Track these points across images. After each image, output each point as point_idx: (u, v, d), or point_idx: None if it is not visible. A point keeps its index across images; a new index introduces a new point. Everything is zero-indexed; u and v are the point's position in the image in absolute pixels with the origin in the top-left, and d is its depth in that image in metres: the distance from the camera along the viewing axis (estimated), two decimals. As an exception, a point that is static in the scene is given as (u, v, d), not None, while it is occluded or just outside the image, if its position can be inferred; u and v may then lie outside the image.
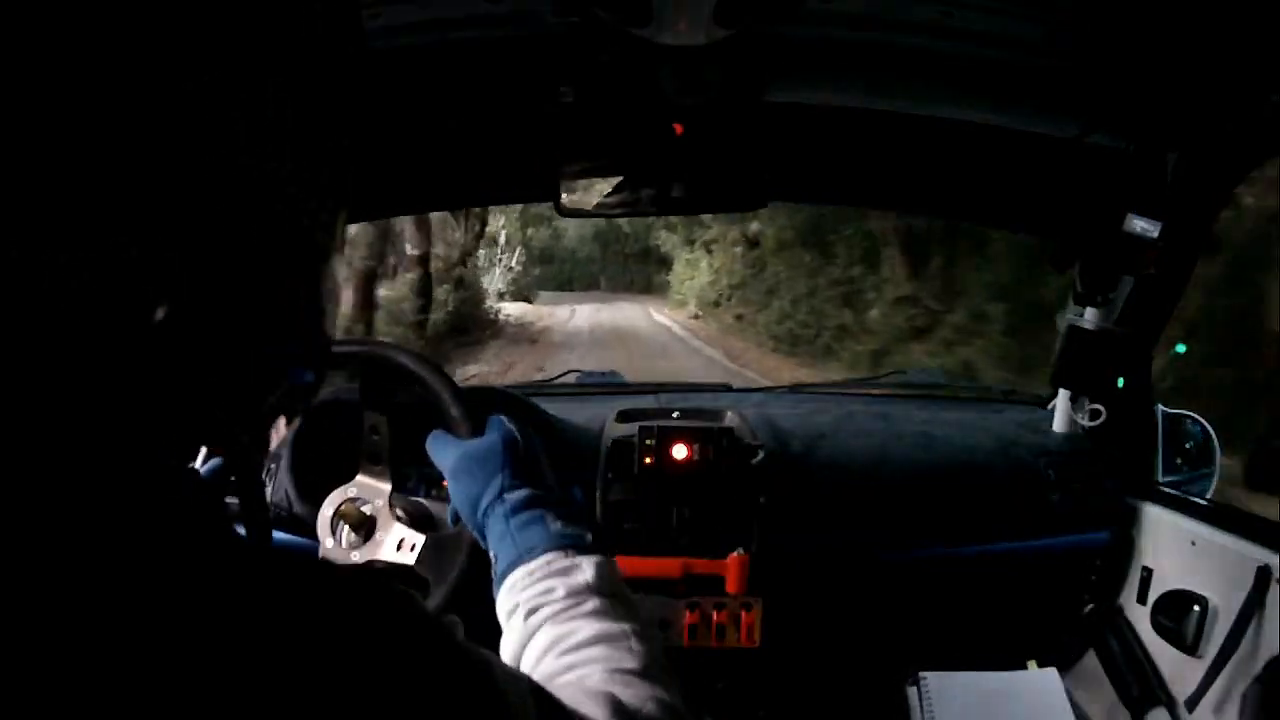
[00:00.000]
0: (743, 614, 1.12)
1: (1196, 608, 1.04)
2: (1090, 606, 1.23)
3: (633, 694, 0.46)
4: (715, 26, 0.84)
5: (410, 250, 10.95)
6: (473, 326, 12.92)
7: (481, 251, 17.64)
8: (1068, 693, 1.16)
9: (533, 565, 0.58)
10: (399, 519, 0.89)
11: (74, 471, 0.27)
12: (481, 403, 0.83)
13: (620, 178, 1.07)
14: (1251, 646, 0.95)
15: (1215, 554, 1.04)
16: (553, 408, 1.23)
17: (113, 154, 0.26)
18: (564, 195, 1.07)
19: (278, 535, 1.04)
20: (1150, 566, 1.16)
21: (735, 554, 1.09)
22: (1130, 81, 0.93)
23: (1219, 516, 1.07)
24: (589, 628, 0.53)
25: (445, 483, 1.10)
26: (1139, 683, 1.13)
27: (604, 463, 1.16)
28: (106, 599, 0.25)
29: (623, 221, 17.09)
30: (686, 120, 1.03)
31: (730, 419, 1.24)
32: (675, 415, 1.24)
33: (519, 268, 21.64)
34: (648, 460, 1.13)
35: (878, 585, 1.22)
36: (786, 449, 1.21)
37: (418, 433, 0.79)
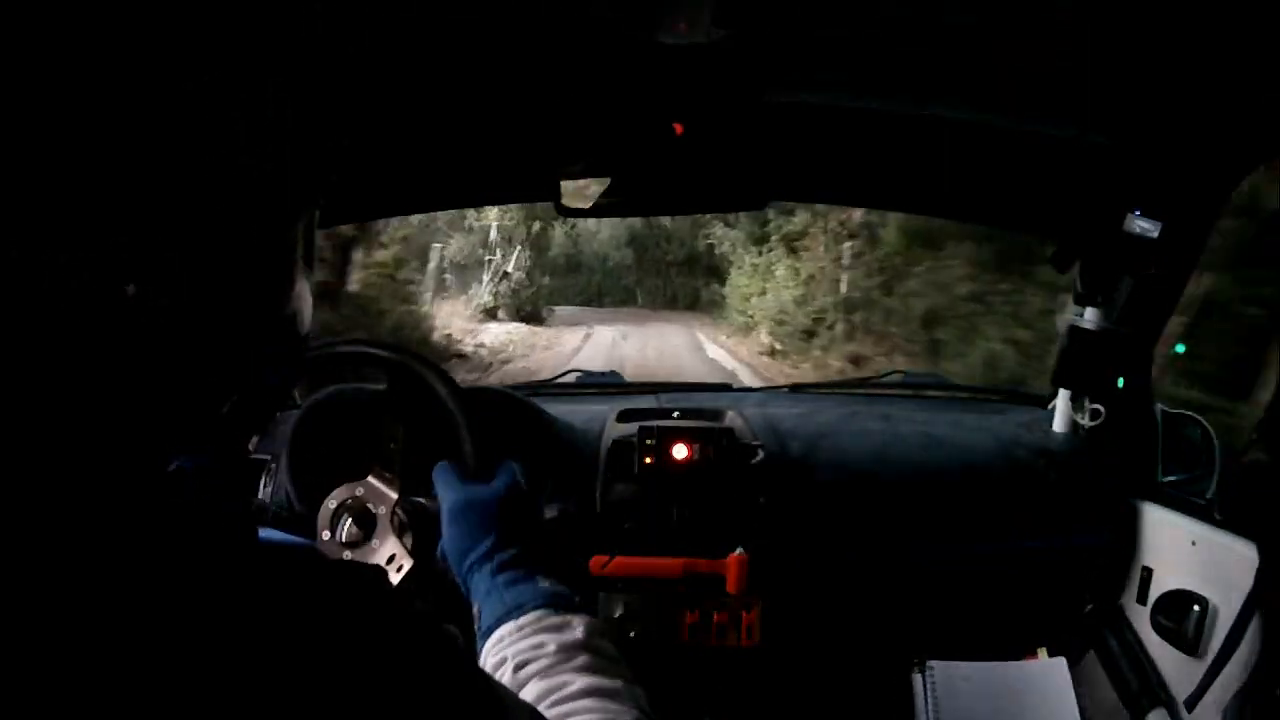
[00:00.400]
0: (743, 614, 1.12)
1: (1196, 608, 1.04)
2: (1090, 606, 1.23)
3: None
4: (715, 26, 0.84)
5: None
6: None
7: (431, 265, 13.35)
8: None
9: (522, 620, 0.59)
10: (397, 531, 0.89)
11: (68, 469, 0.27)
12: (493, 442, 0.83)
13: (621, 177, 1.07)
14: (1251, 646, 0.95)
15: (1215, 554, 1.04)
16: (553, 408, 1.23)
17: (111, 154, 0.26)
18: (564, 195, 1.07)
19: (277, 534, 1.04)
20: (1150, 566, 1.16)
21: (735, 554, 1.09)
22: (1130, 81, 0.93)
23: (1219, 517, 1.07)
24: (581, 681, 0.53)
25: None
26: (1139, 683, 1.13)
27: (604, 463, 1.16)
28: (97, 594, 0.25)
29: (666, 220, 15.42)
30: (686, 120, 1.03)
31: (730, 419, 1.24)
32: (675, 415, 1.24)
33: (520, 274, 16.68)
34: (648, 460, 1.13)
35: (877, 585, 1.22)
36: (786, 449, 1.21)
37: (432, 445, 0.79)
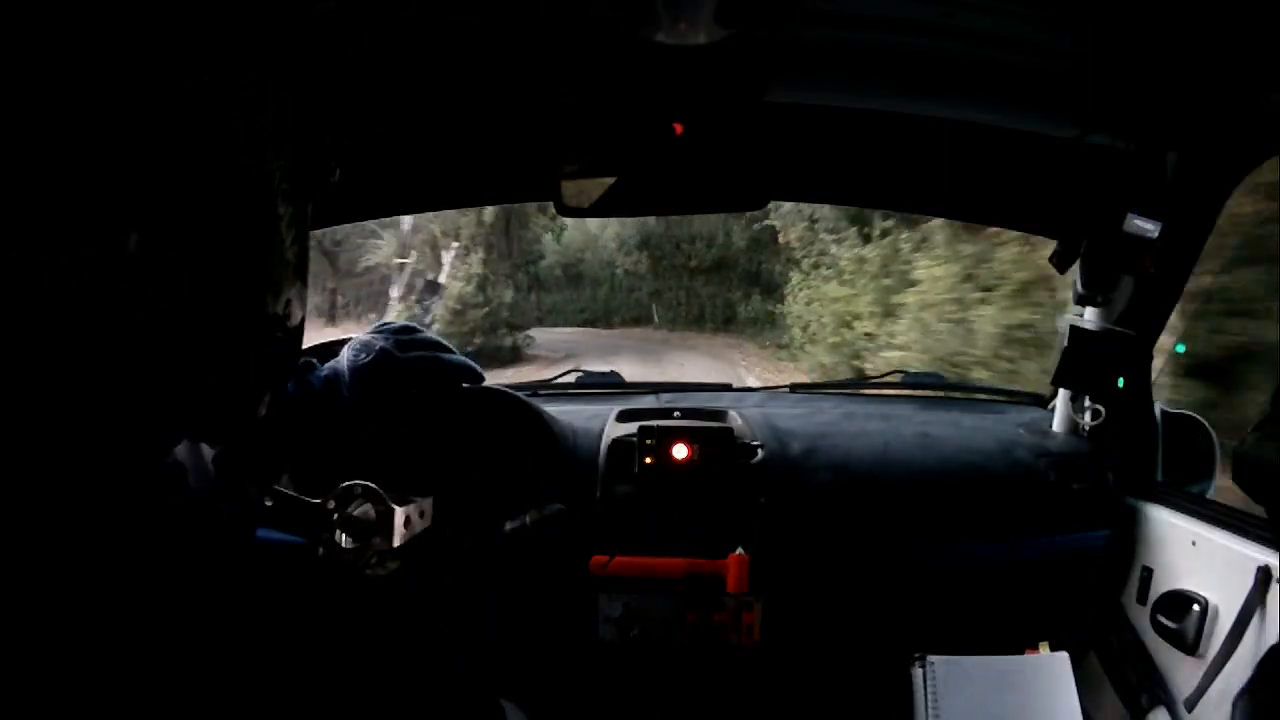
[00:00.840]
0: (743, 614, 1.12)
1: (1196, 608, 1.04)
2: (1090, 606, 1.23)
3: None
4: (715, 26, 0.84)
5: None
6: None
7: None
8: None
9: None
10: (399, 527, 0.88)
11: (70, 467, 0.27)
12: (491, 428, 0.83)
13: (621, 177, 1.07)
14: (1251, 646, 0.95)
15: (1215, 554, 1.04)
16: (553, 408, 1.23)
17: (111, 153, 0.26)
18: (564, 195, 1.07)
19: (276, 534, 1.04)
20: (1150, 566, 1.16)
21: (735, 554, 1.09)
22: (1130, 81, 0.93)
23: (1219, 516, 1.07)
24: None
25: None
26: (1139, 683, 1.13)
27: (604, 463, 1.16)
28: (92, 593, 0.26)
29: (695, 219, 12.04)
30: (686, 120, 1.03)
31: (730, 419, 1.24)
32: (675, 415, 1.24)
33: (465, 286, 10.81)
34: (648, 460, 1.13)
35: (877, 585, 1.22)
36: (786, 449, 1.21)
37: (436, 445, 0.79)
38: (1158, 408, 1.24)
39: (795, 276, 10.14)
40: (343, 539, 0.87)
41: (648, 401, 1.38)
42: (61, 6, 0.25)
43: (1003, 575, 1.22)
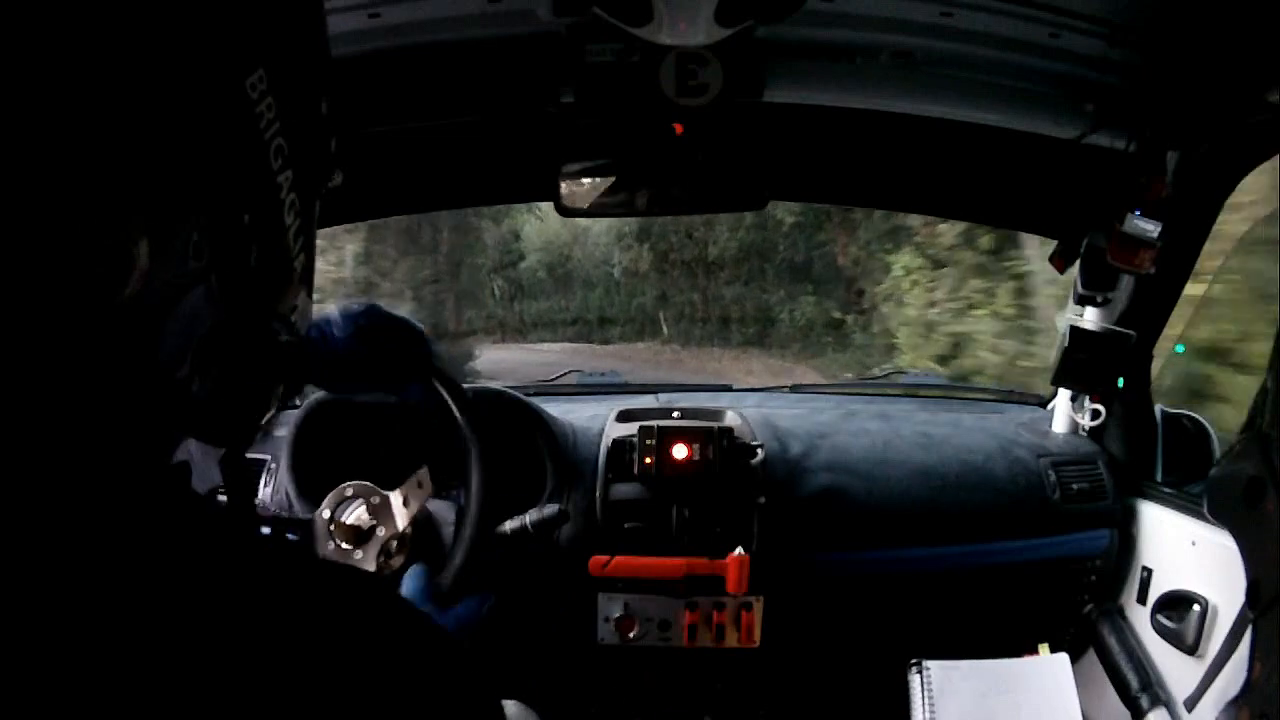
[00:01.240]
0: (743, 614, 1.12)
1: (1196, 608, 1.04)
2: (1090, 606, 1.23)
3: None
4: (715, 26, 0.84)
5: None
6: None
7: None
8: (1068, 692, 1.16)
9: None
10: (398, 509, 0.88)
11: (70, 467, 0.27)
12: (491, 428, 0.84)
13: (621, 177, 1.07)
14: (1251, 647, 0.95)
15: (1215, 554, 1.04)
16: (553, 408, 1.23)
17: (123, 153, 0.26)
18: (564, 195, 1.07)
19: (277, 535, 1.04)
20: (1150, 566, 1.16)
21: (735, 554, 1.09)
22: (1130, 81, 0.93)
23: (1219, 516, 1.07)
24: None
25: (452, 484, 1.09)
26: (1139, 683, 1.13)
27: (604, 463, 1.16)
28: (95, 595, 0.26)
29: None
30: (686, 120, 1.03)
31: (730, 419, 1.24)
32: (675, 415, 1.24)
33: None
34: (648, 460, 1.13)
35: (877, 585, 1.22)
36: (786, 449, 1.21)
37: (426, 439, 0.79)
38: (1158, 408, 1.24)
39: (903, 263, 6.11)
40: (341, 545, 0.87)
41: (647, 401, 1.38)
42: (64, 8, 0.25)
43: (1003, 575, 1.22)
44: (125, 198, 0.27)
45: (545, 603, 1.14)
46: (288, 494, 1.02)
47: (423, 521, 0.91)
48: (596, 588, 1.13)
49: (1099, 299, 1.20)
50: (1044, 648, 1.19)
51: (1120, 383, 1.20)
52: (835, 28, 0.90)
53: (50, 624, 0.25)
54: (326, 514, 0.89)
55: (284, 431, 1.08)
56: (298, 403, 1.12)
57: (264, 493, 1.08)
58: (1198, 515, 1.10)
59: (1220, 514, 0.91)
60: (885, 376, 1.68)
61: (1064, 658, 1.16)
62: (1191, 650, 1.04)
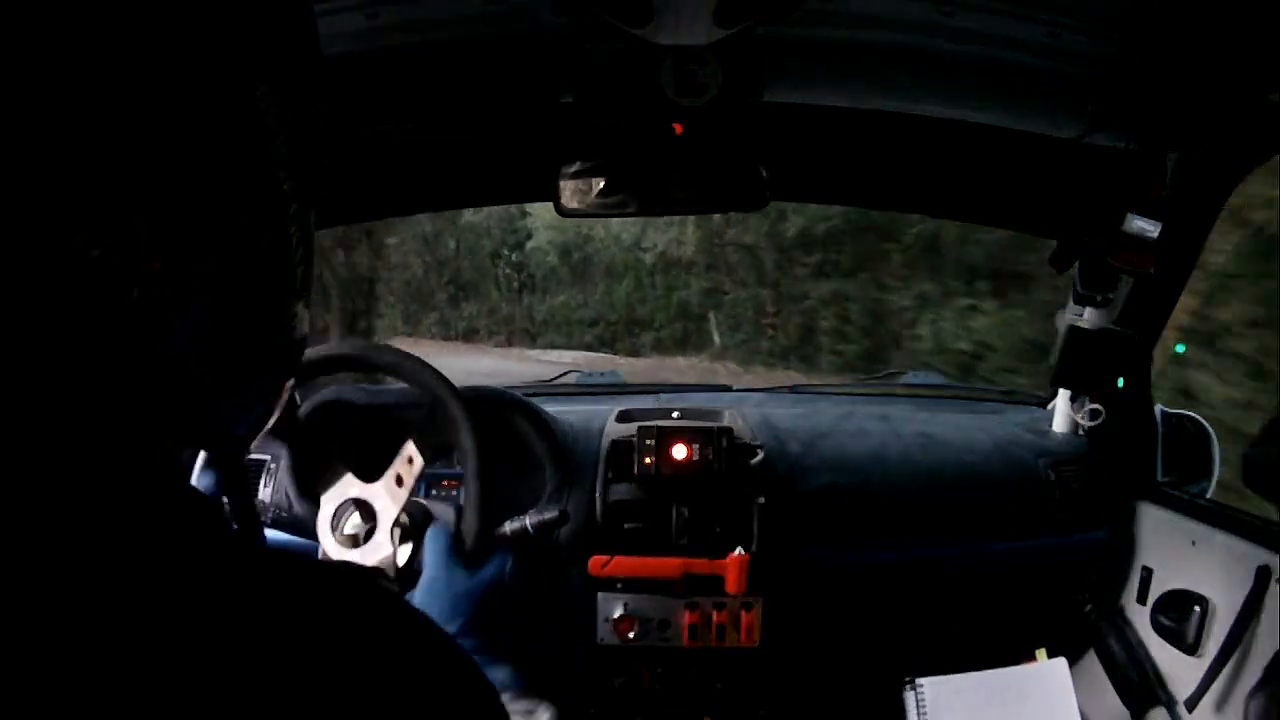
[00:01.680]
0: (743, 614, 1.12)
1: (1196, 608, 1.04)
2: (1090, 606, 1.23)
3: None
4: (715, 26, 0.84)
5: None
6: None
7: None
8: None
9: None
10: (400, 523, 0.89)
11: (71, 469, 0.27)
12: (491, 428, 0.84)
13: (621, 177, 1.07)
14: (1251, 646, 0.95)
15: (1215, 554, 1.04)
16: (553, 408, 1.23)
17: (131, 159, 0.27)
18: (564, 195, 1.07)
19: (277, 535, 1.04)
20: (1150, 566, 1.16)
21: (735, 554, 1.09)
22: (1130, 81, 0.93)
23: (1219, 516, 1.07)
24: None
25: (446, 483, 1.10)
26: (1139, 683, 1.13)
27: (604, 463, 1.16)
28: (97, 596, 0.25)
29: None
30: (686, 120, 1.03)
31: (730, 419, 1.24)
32: (675, 415, 1.24)
33: None
34: (647, 460, 1.13)
35: (877, 585, 1.22)
36: (786, 449, 1.21)
37: (424, 437, 0.80)
38: (1158, 408, 1.24)
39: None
40: (338, 549, 0.87)
41: (647, 402, 1.38)
42: (69, 11, 0.25)
43: (1002, 575, 1.22)
44: (132, 201, 0.27)
45: (545, 603, 1.14)
46: (288, 494, 1.02)
47: (421, 517, 0.92)
48: (596, 588, 1.13)
49: (1099, 299, 1.19)
50: (1041, 653, 1.18)
51: (1120, 383, 1.20)
52: (835, 28, 0.90)
53: (51, 625, 0.25)
54: (333, 504, 0.89)
55: (284, 432, 1.08)
56: (299, 401, 1.12)
57: (264, 493, 1.08)
58: (1198, 515, 1.10)
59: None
60: (885, 376, 1.68)
61: (1062, 663, 1.16)
62: (1191, 650, 1.04)
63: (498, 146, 1.19)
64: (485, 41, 0.91)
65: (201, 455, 0.85)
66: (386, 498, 0.88)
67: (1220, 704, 0.98)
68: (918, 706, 1.14)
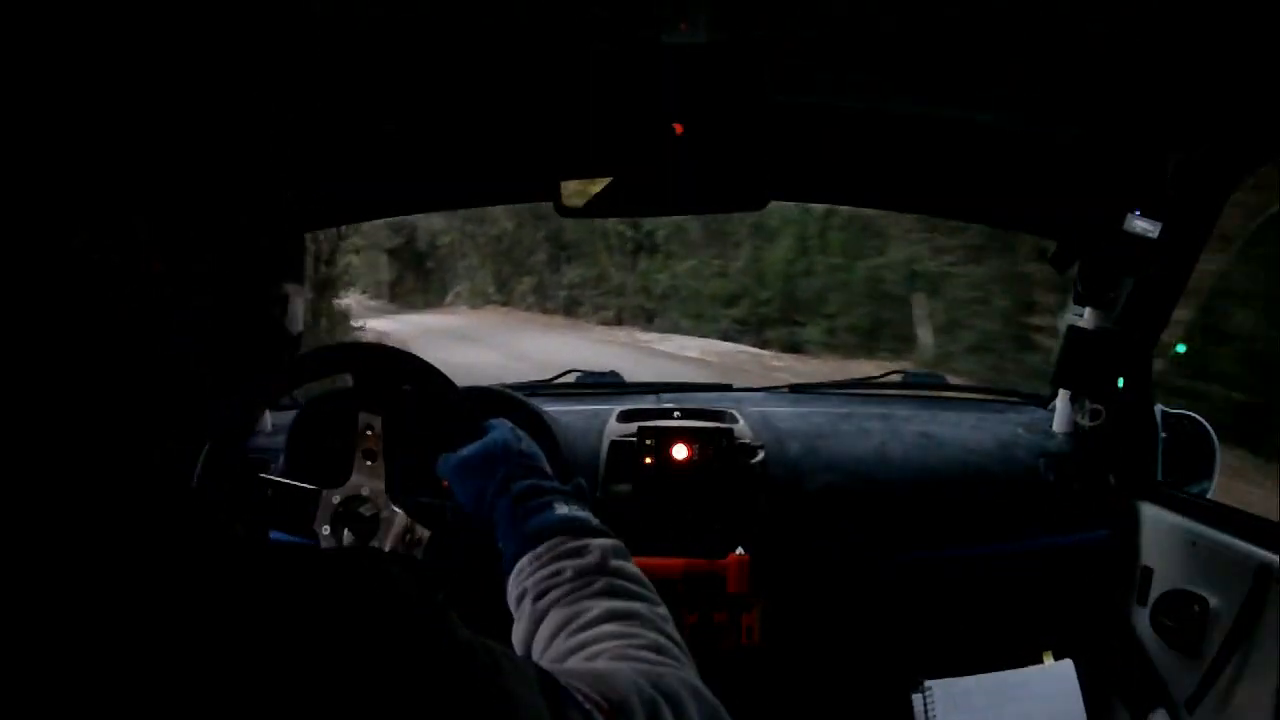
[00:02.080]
0: (743, 614, 1.12)
1: (1196, 608, 1.03)
2: (1090, 606, 1.23)
3: (646, 670, 0.46)
4: (716, 26, 0.84)
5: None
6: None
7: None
8: (1068, 692, 1.16)
9: (539, 550, 0.58)
10: (400, 516, 0.88)
11: (71, 469, 0.28)
12: (481, 405, 0.84)
13: (621, 177, 1.07)
14: (1251, 647, 0.95)
15: (1215, 554, 1.04)
16: (553, 408, 1.23)
17: (130, 155, 0.27)
18: (564, 195, 1.07)
19: (276, 535, 1.04)
20: (1150, 566, 1.16)
21: (735, 554, 1.09)
22: (1130, 82, 0.93)
23: (1219, 516, 1.07)
24: (599, 606, 0.52)
25: (446, 483, 1.09)
26: (1139, 683, 1.13)
27: (604, 463, 1.16)
28: (98, 596, 0.26)
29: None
30: (686, 120, 1.03)
31: (730, 419, 1.24)
32: (676, 415, 1.24)
33: None
34: (648, 460, 1.13)
35: (876, 585, 1.22)
36: (786, 449, 1.21)
37: (413, 431, 0.79)
38: (1158, 408, 1.24)
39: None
40: (347, 534, 0.87)
41: (648, 402, 1.38)
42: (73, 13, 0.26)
43: (1002, 576, 1.22)
44: (132, 201, 0.27)
45: None
46: (288, 493, 1.02)
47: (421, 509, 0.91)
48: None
49: (1099, 299, 1.20)
50: (1048, 656, 1.18)
51: (1120, 383, 1.20)
52: (835, 28, 0.90)
53: (52, 624, 0.25)
54: (328, 510, 0.89)
55: (283, 432, 1.08)
56: (299, 400, 1.12)
57: (264, 492, 1.08)
58: (1198, 515, 1.10)
59: None
60: (885, 376, 1.68)
61: (1068, 665, 1.15)
62: (1191, 650, 1.04)
63: (498, 146, 1.19)
64: (487, 41, 0.91)
65: (202, 455, 0.85)
66: (373, 483, 0.88)
67: (1220, 704, 0.98)
68: (926, 709, 1.14)
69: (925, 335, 4.41)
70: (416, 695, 0.30)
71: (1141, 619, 1.15)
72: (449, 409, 0.84)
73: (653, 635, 0.50)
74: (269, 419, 1.22)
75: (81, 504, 0.27)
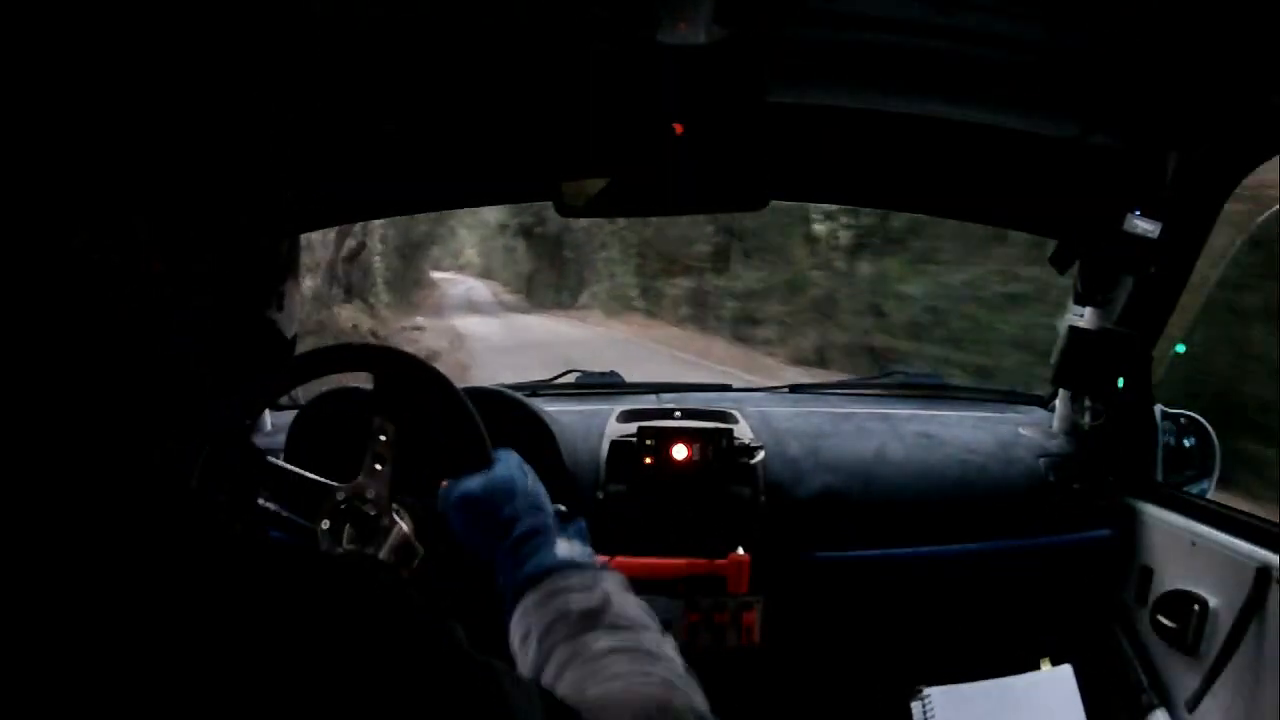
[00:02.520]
0: (743, 614, 1.12)
1: (1196, 608, 1.04)
2: (1090, 606, 1.23)
3: (656, 701, 0.46)
4: (715, 26, 0.84)
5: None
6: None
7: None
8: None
9: (543, 588, 0.59)
10: (400, 524, 0.88)
11: (71, 468, 0.28)
12: (490, 429, 0.84)
13: (621, 177, 1.07)
14: (1251, 647, 0.95)
15: (1215, 554, 1.04)
16: (553, 408, 1.23)
17: (130, 155, 0.27)
18: (564, 195, 1.07)
19: (276, 535, 1.04)
20: (1150, 566, 1.16)
21: (735, 554, 1.09)
22: (1130, 81, 0.93)
23: (1219, 516, 1.07)
24: (605, 641, 0.53)
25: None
26: (1139, 683, 1.13)
27: (604, 463, 1.16)
28: (99, 596, 0.26)
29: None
30: (686, 120, 1.03)
31: (730, 419, 1.24)
32: (676, 415, 1.24)
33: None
34: (648, 460, 1.13)
35: (877, 585, 1.22)
36: (786, 449, 1.21)
37: (424, 445, 0.79)
38: (1158, 408, 1.24)
39: None
40: (347, 533, 0.87)
41: (648, 402, 1.38)
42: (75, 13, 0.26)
43: (1002, 575, 1.22)
44: (132, 201, 0.27)
45: None
46: (288, 494, 1.01)
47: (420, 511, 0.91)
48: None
49: (1099, 299, 1.20)
50: (1045, 662, 1.18)
51: (1120, 383, 1.20)
52: (835, 28, 0.90)
53: (53, 624, 0.25)
54: (329, 510, 0.89)
55: (283, 432, 1.08)
56: (299, 400, 1.12)
57: (264, 491, 1.08)
58: (1198, 515, 1.10)
59: None
60: (885, 376, 1.68)
61: (1067, 670, 1.15)
62: (1191, 650, 1.04)
63: (498, 146, 1.19)
64: (487, 41, 0.91)
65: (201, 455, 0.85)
66: (375, 483, 0.88)
67: (1220, 705, 0.98)
68: (925, 716, 1.14)
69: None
70: (416, 696, 0.30)
71: (1141, 619, 1.15)
72: (463, 432, 0.84)
73: (658, 669, 0.50)
74: (269, 419, 1.22)
75: (81, 504, 0.27)
